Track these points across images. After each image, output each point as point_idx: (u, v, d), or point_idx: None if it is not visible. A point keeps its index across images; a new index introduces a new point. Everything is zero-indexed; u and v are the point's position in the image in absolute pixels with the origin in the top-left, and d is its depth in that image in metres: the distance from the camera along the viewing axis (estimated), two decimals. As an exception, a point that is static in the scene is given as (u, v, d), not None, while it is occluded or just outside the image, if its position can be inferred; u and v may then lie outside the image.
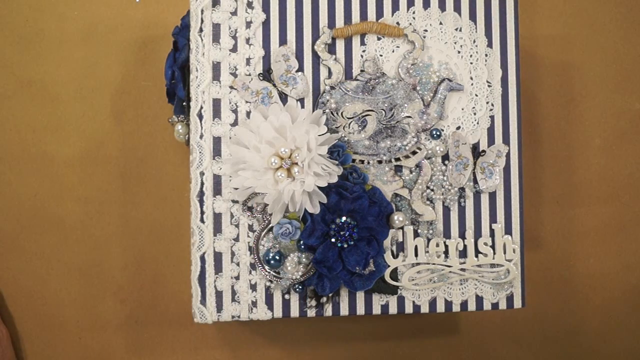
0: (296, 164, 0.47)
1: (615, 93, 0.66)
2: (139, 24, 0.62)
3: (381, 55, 0.51)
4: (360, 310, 0.51)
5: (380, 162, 0.51)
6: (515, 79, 0.53)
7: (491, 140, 0.52)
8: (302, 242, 0.49)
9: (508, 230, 0.53)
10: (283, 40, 0.50)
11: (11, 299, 0.61)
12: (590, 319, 0.66)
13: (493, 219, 0.52)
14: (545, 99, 0.66)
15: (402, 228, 0.51)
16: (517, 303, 0.53)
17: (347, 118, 0.50)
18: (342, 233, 0.48)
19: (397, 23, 0.51)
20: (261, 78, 0.49)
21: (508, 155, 0.52)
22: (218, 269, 0.49)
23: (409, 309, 0.51)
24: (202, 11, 0.49)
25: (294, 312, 0.50)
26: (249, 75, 0.49)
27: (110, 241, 0.61)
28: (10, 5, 0.61)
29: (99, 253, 0.61)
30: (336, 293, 0.51)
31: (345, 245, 0.49)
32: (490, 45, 0.52)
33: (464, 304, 0.52)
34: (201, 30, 0.49)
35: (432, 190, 0.51)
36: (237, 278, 0.49)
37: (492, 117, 0.52)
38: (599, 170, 0.66)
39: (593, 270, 0.66)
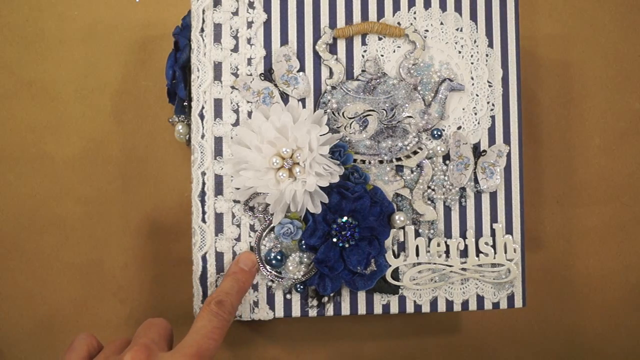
0: (298, 164, 0.47)
1: (615, 93, 0.67)
2: (139, 24, 0.62)
3: (382, 55, 0.51)
4: (362, 310, 0.51)
5: (381, 162, 0.51)
6: (516, 79, 0.53)
7: (492, 140, 0.53)
8: (303, 242, 0.49)
9: (509, 230, 0.53)
10: (284, 40, 0.50)
11: (11, 299, 0.61)
12: (590, 319, 0.66)
13: (494, 218, 0.52)
14: (546, 99, 0.66)
15: (403, 228, 0.51)
16: (518, 303, 0.53)
17: (349, 118, 0.50)
18: (343, 233, 0.48)
19: (398, 23, 0.51)
20: (262, 78, 0.49)
21: (509, 155, 0.53)
22: (219, 268, 0.49)
23: (410, 308, 0.51)
24: (203, 11, 0.49)
25: (296, 312, 0.50)
26: (251, 75, 0.49)
27: (110, 241, 0.61)
28: (10, 5, 0.61)
29: (99, 253, 0.61)
30: (337, 293, 0.51)
31: (347, 245, 0.49)
32: (491, 45, 0.53)
33: (465, 304, 0.52)
34: (202, 30, 0.49)
35: (433, 190, 0.51)
36: (239, 278, 0.49)
37: (492, 117, 0.53)
38: (599, 170, 0.66)
39: (593, 270, 0.66)
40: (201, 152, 0.49)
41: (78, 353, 0.41)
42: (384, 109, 0.51)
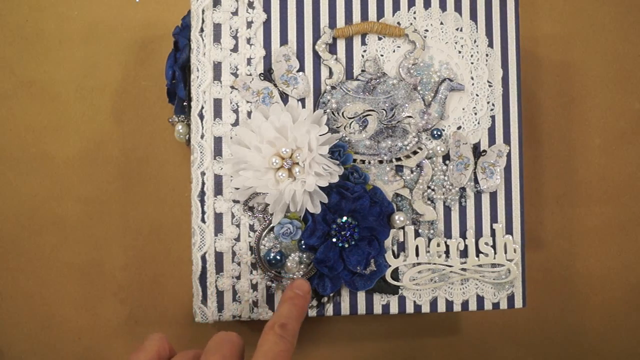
0: (297, 163, 0.47)
1: (615, 93, 0.66)
2: (139, 24, 0.62)
3: (382, 55, 0.51)
4: (362, 310, 0.51)
5: (381, 162, 0.51)
6: (516, 79, 0.53)
7: (492, 140, 0.53)
8: (303, 242, 0.49)
9: (509, 230, 0.53)
10: (284, 40, 0.50)
11: (11, 299, 0.61)
12: (590, 319, 0.66)
13: (494, 218, 0.52)
14: (546, 99, 0.66)
15: (403, 228, 0.51)
16: (518, 303, 0.53)
17: (348, 118, 0.50)
18: (343, 233, 0.48)
19: (398, 23, 0.51)
20: (262, 78, 0.49)
21: (509, 155, 0.53)
22: (219, 268, 0.49)
23: (410, 308, 0.51)
24: (203, 11, 0.49)
25: (295, 312, 0.50)
26: (250, 75, 0.49)
27: (110, 241, 0.61)
28: (10, 5, 0.61)
29: (99, 253, 0.61)
30: (337, 293, 0.51)
31: (347, 245, 0.49)
32: (491, 45, 0.53)
33: (464, 304, 0.52)
34: (202, 30, 0.49)
35: (433, 190, 0.51)
36: (238, 278, 0.49)
37: (492, 117, 0.52)
38: (599, 170, 0.66)
39: (593, 270, 0.66)
40: (201, 152, 0.49)
41: (146, 355, 0.39)
42: (383, 109, 0.51)
